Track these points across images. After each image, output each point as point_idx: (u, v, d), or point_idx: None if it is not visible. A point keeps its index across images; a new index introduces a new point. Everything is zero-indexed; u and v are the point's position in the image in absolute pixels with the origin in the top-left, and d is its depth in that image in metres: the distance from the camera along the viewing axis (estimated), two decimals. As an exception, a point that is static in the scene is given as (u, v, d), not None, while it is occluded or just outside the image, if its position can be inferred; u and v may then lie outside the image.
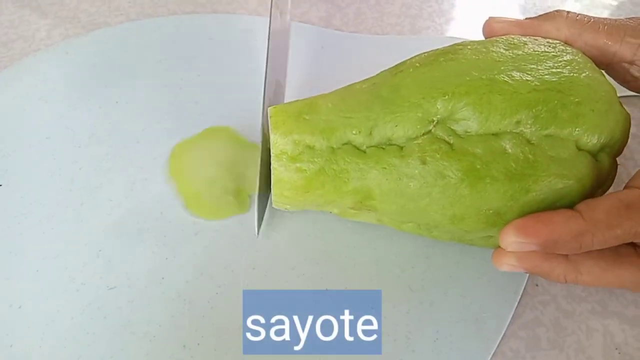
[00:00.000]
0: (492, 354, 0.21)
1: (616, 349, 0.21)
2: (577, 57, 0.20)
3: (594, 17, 0.21)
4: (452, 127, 0.19)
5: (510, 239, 0.18)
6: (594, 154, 0.19)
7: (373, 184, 0.20)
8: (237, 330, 0.21)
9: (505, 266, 0.19)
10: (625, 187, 0.19)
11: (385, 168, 0.19)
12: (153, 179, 0.25)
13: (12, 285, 0.22)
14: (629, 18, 0.21)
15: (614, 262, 0.18)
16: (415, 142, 0.19)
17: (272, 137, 0.20)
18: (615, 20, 0.21)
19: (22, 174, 0.26)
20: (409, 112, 0.19)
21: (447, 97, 0.19)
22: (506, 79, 0.19)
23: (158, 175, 0.25)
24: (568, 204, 0.19)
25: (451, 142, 0.19)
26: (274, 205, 0.23)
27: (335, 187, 0.20)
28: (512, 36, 0.21)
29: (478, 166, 0.18)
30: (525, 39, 0.20)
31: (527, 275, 0.23)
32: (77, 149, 0.27)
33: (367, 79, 0.22)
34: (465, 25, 0.34)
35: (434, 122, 0.19)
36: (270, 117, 0.21)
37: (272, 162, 0.21)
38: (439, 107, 0.19)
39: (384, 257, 0.23)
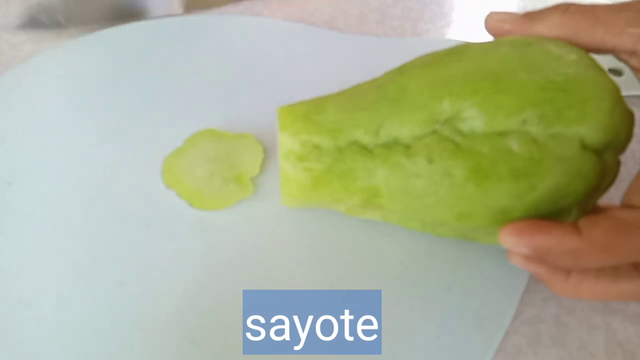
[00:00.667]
0: (494, 350, 0.21)
1: (618, 346, 0.21)
2: (582, 57, 0.20)
3: (592, 8, 0.21)
4: (458, 127, 0.19)
5: (507, 237, 0.18)
6: (599, 153, 0.19)
7: (380, 183, 0.20)
8: (242, 327, 0.21)
9: (514, 261, 0.19)
10: (623, 204, 0.19)
11: (392, 167, 0.20)
12: (161, 176, 0.26)
13: (21, 281, 0.22)
14: (633, 1, 0.20)
15: (614, 278, 0.18)
16: (422, 141, 0.19)
17: (280, 137, 0.21)
18: (616, 6, 0.20)
19: (31, 172, 0.26)
20: (416, 111, 0.19)
21: (453, 96, 0.19)
22: (512, 78, 0.19)
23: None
24: (573, 201, 0.19)
25: (457, 141, 0.19)
26: (281, 204, 0.23)
27: (343, 186, 0.21)
28: (517, 36, 0.21)
29: (484, 165, 0.18)
30: (530, 39, 0.21)
31: (529, 272, 0.23)
32: (86, 147, 0.27)
33: (373, 80, 0.22)
34: (465, 27, 0.35)
35: (441, 122, 0.19)
36: (278, 117, 0.21)
37: (280, 161, 0.21)
38: (445, 106, 0.19)
39: (386, 255, 0.23)
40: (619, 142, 0.20)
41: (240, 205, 0.25)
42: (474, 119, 0.19)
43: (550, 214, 0.19)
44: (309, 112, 0.21)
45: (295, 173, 0.21)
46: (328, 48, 0.32)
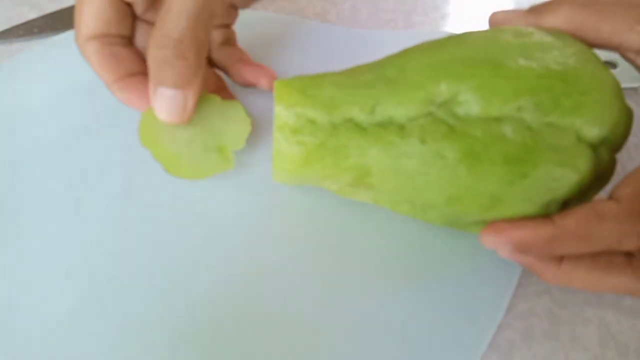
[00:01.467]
0: (487, 345, 0.21)
1: (612, 339, 0.21)
2: (583, 49, 0.20)
3: (600, 2, 0.20)
4: (454, 109, 0.19)
5: (487, 238, 0.19)
6: (594, 147, 0.19)
7: (372, 161, 0.20)
8: (235, 320, 0.21)
9: (503, 253, 0.19)
10: (609, 196, 0.19)
11: (384, 146, 0.19)
12: (152, 171, 0.25)
13: (10, 277, 0.22)
14: None
15: (606, 270, 0.18)
16: (417, 122, 0.19)
17: (276, 109, 0.21)
18: (626, 2, 0.20)
19: (19, 168, 0.26)
20: (412, 92, 0.19)
21: (450, 79, 0.19)
22: (511, 64, 0.19)
23: (157, 168, 0.26)
24: (565, 194, 0.19)
25: (452, 123, 0.19)
26: (273, 179, 0.23)
27: (335, 162, 0.21)
28: (520, 26, 0.21)
29: (477, 148, 0.18)
30: (532, 29, 0.20)
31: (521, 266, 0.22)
32: (75, 142, 0.27)
33: (373, 62, 0.22)
34: (459, 20, 0.34)
35: (437, 104, 0.19)
36: (275, 89, 0.21)
37: (274, 133, 0.21)
38: (442, 89, 0.19)
39: (379, 248, 0.23)
40: (616, 139, 0.19)
41: (229, 189, 0.24)
42: (470, 103, 0.19)
43: (541, 206, 0.19)
44: (305, 86, 0.21)
45: (289, 146, 0.21)
46: (320, 41, 0.32)
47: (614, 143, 0.19)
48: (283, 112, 0.21)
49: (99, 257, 0.23)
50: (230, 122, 0.24)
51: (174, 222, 0.24)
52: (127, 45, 0.24)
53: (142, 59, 0.24)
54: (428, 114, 0.19)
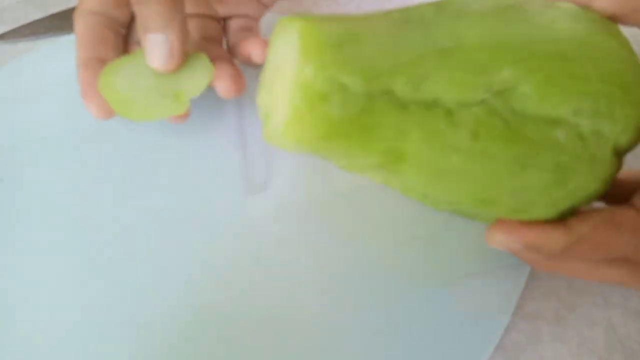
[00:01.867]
0: (493, 347, 0.20)
1: (619, 342, 0.21)
2: (631, 50, 0.18)
3: None
4: (510, 101, 0.16)
5: (496, 236, 0.18)
6: (620, 155, 0.18)
7: (410, 149, 0.17)
8: (241, 323, 0.21)
9: (496, 243, 0.19)
10: (628, 203, 0.19)
11: (430, 133, 0.17)
12: (157, 173, 0.25)
13: (15, 280, 0.22)
14: None
15: (600, 262, 0.18)
16: (469, 110, 0.16)
17: (300, 64, 0.16)
18: None
19: (24, 169, 0.26)
20: (470, 72, 0.16)
21: (516, 66, 0.16)
22: (579, 61, 0.17)
23: (162, 170, 0.26)
24: (586, 201, 0.18)
25: (508, 119, 0.16)
26: (265, 140, 0.19)
27: (363, 143, 0.17)
28: (584, 10, 0.18)
29: (529, 153, 0.17)
30: (585, 13, 0.18)
31: (529, 267, 0.22)
32: (81, 143, 0.27)
33: (418, 8, 0.18)
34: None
35: (493, 91, 0.16)
36: (299, 36, 0.17)
37: (291, 95, 0.16)
38: (504, 75, 0.16)
39: (383, 248, 0.23)
40: (637, 146, 0.18)
41: (232, 190, 0.24)
42: (527, 97, 0.16)
43: (560, 211, 0.18)
44: (342, 41, 0.16)
45: (310, 115, 0.16)
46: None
47: (633, 148, 0.19)
48: (310, 72, 0.16)
49: (105, 260, 0.23)
50: (192, 70, 0.23)
51: (180, 225, 0.24)
52: (118, 34, 0.24)
53: (124, 52, 0.25)
54: (482, 102, 0.16)
